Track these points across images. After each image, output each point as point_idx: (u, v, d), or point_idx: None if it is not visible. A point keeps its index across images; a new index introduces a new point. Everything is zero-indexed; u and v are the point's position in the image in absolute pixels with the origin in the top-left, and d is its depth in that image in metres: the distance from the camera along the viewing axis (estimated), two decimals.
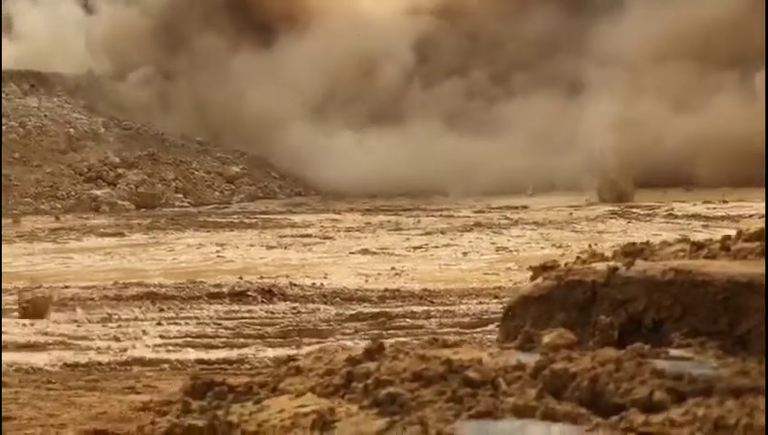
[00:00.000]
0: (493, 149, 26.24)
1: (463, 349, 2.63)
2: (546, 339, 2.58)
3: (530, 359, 2.55)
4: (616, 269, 2.96)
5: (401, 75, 29.51)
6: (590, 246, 17.64)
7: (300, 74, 28.16)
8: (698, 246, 3.12)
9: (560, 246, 17.75)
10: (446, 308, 13.12)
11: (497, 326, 3.55)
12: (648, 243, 3.27)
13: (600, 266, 3.01)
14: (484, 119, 27.80)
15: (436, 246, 17.62)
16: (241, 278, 13.99)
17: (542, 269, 3.15)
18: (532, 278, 3.14)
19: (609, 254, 3.31)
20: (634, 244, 3.30)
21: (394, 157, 26.06)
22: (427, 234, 18.54)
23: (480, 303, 13.32)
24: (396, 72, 29.43)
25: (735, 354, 2.50)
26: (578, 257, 3.18)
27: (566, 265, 3.13)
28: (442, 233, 18.57)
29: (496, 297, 13.51)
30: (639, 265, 2.95)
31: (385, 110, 28.18)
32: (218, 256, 16.56)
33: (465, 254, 17.10)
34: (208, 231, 18.54)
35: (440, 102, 28.69)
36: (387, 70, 29.25)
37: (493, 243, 17.98)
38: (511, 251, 17.35)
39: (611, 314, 2.81)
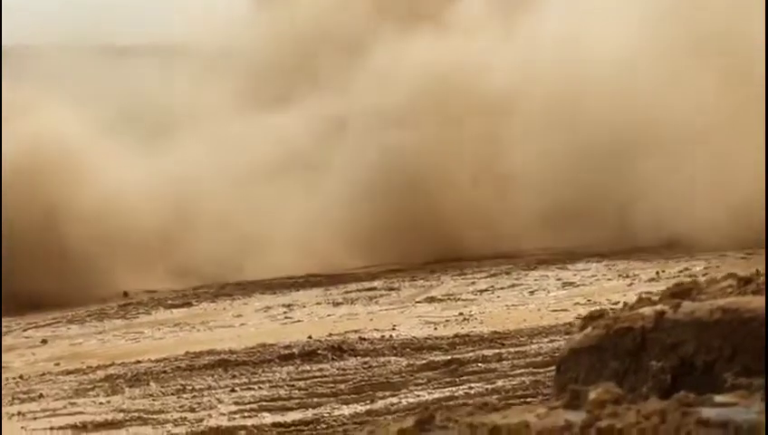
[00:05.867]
0: None
1: (511, 411, 2.64)
2: (592, 395, 2.58)
3: (577, 417, 2.55)
4: (663, 313, 2.96)
5: None
6: (657, 273, 17.54)
7: None
8: (746, 281, 3.11)
9: (627, 276, 17.66)
10: (517, 349, 13.13)
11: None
12: (695, 281, 3.27)
13: (648, 311, 3.01)
14: None
15: (502, 288, 17.59)
16: (310, 338, 14.06)
17: (590, 319, 3.15)
18: (581, 328, 3.14)
19: (656, 296, 3.31)
20: (681, 283, 3.29)
21: None
22: (492, 275, 18.53)
23: (551, 341, 13.34)
24: None
25: None
26: (625, 304, 3.18)
27: (613, 311, 3.13)
28: (507, 273, 18.56)
29: (567, 334, 13.47)
30: (686, 306, 2.95)
31: None
32: (286, 318, 16.64)
33: (531, 293, 17.06)
34: (274, 293, 18.66)
35: None
36: None
37: (558, 279, 17.93)
38: (578, 286, 17.30)
39: (663, 359, 2.81)
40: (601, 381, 2.73)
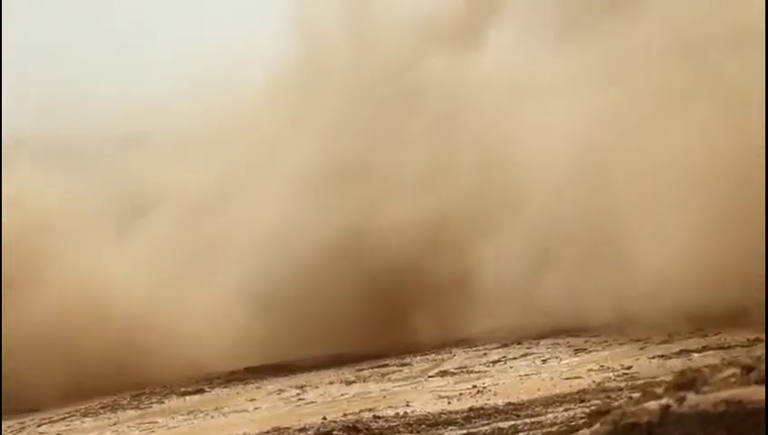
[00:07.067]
0: None
1: None
2: None
3: None
4: (669, 407, 2.98)
5: None
6: (669, 335, 17.48)
7: None
8: (748, 370, 3.13)
9: (639, 340, 17.61)
10: (532, 420, 13.08)
11: None
12: (699, 371, 3.29)
13: (653, 406, 3.03)
14: None
15: (515, 358, 17.54)
16: (325, 419, 14.01)
17: (597, 414, 3.18)
18: (589, 425, 3.16)
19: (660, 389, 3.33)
20: (684, 373, 3.32)
21: None
22: (504, 346, 18.51)
23: (566, 409, 13.28)
24: None
25: None
26: (630, 398, 3.19)
27: (619, 407, 3.15)
28: (518, 343, 18.53)
29: (582, 401, 13.44)
30: (691, 399, 2.97)
31: None
32: (300, 399, 16.59)
33: (544, 361, 17.01)
34: (286, 375, 18.66)
35: None
36: None
37: (570, 346, 17.89)
38: (590, 352, 17.25)
39: None
40: None
